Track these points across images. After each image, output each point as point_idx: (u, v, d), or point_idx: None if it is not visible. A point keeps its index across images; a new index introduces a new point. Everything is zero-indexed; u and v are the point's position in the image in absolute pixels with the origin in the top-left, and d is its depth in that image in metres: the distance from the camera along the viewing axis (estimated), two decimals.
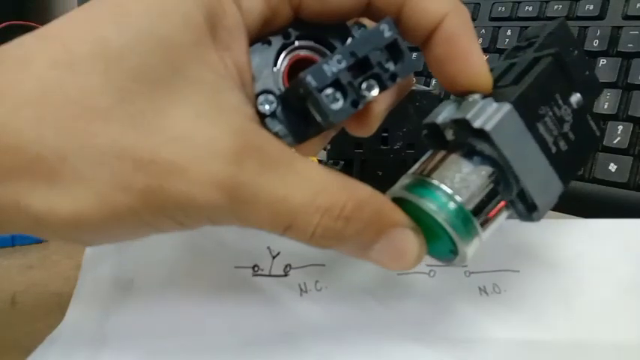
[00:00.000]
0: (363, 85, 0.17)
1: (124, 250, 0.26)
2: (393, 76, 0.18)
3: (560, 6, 0.42)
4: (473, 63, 0.19)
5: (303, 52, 0.20)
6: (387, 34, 0.17)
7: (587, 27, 0.40)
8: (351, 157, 0.34)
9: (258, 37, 0.19)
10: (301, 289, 0.25)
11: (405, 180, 0.19)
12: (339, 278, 0.25)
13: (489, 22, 0.46)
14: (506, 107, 0.17)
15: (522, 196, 0.19)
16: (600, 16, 0.40)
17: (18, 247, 0.35)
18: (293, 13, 0.19)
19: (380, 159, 0.33)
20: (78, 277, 0.26)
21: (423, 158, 0.20)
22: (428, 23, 0.19)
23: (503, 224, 0.26)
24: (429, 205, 0.17)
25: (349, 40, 0.20)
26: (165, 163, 0.16)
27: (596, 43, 0.39)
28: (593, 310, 0.23)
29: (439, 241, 0.18)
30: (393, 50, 0.17)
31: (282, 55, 0.19)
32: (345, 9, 0.19)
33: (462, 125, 0.18)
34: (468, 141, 0.18)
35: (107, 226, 0.16)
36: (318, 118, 0.18)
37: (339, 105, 0.17)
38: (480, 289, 0.24)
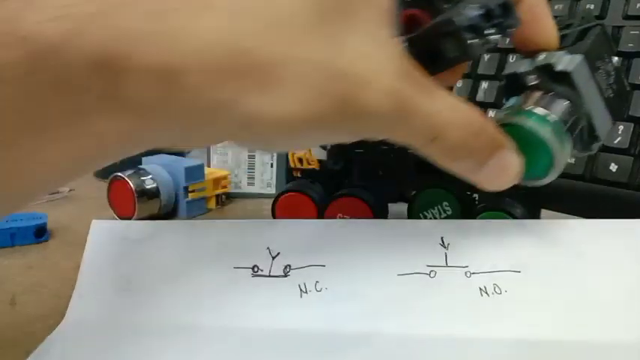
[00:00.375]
0: (487, 32, 0.22)
1: (123, 251, 0.26)
2: (509, 26, 0.22)
3: (561, 5, 0.42)
4: (548, 25, 0.24)
5: (412, 9, 0.24)
6: None
7: None
8: (351, 157, 0.34)
9: None
10: (301, 290, 0.25)
11: (501, 113, 0.23)
12: (340, 279, 0.25)
13: None
14: (579, 57, 0.23)
15: (588, 129, 0.24)
16: (601, 16, 0.40)
17: (18, 247, 0.35)
18: None
19: (380, 159, 0.33)
20: (77, 278, 0.26)
21: (509, 103, 0.24)
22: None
23: (504, 224, 0.26)
24: (532, 124, 0.22)
25: None
26: (355, 76, 0.18)
27: None
28: (594, 311, 0.23)
29: (536, 159, 0.22)
30: (505, 7, 0.22)
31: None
32: None
33: (544, 70, 0.23)
34: (547, 85, 0.23)
35: (306, 130, 0.18)
36: (455, 53, 0.22)
37: (474, 41, 0.22)
38: (480, 289, 0.24)
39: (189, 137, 0.19)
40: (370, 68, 0.18)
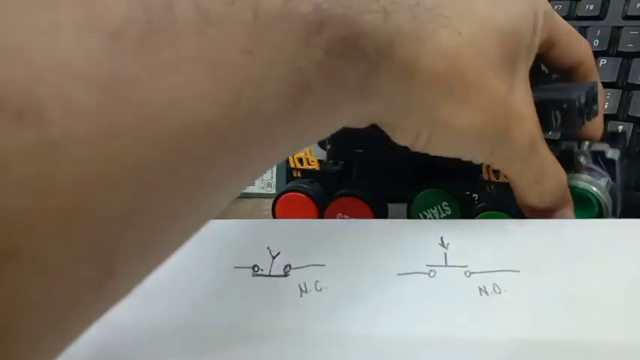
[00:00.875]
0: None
1: None
2: (594, 113, 0.27)
3: (560, 6, 0.42)
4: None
5: None
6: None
7: (588, 27, 0.40)
8: (351, 157, 0.34)
9: None
10: (301, 290, 0.25)
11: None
12: (340, 278, 0.25)
13: None
14: (618, 151, 0.29)
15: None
16: (600, 16, 0.40)
17: None
18: None
19: (380, 159, 0.33)
20: None
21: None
22: (576, 59, 0.28)
23: (504, 224, 0.26)
24: (596, 190, 0.28)
25: None
26: (517, 114, 0.23)
27: (596, 43, 0.39)
28: (594, 311, 0.23)
29: (588, 212, 0.28)
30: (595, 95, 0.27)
31: None
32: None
33: (595, 154, 0.29)
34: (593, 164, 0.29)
35: (470, 141, 0.23)
36: (560, 129, 0.26)
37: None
38: (480, 289, 0.24)
39: (395, 122, 0.22)
40: (525, 111, 0.23)
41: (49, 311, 0.13)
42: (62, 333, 0.14)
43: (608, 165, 0.29)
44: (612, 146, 0.29)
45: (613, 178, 0.29)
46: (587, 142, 0.29)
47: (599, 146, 0.29)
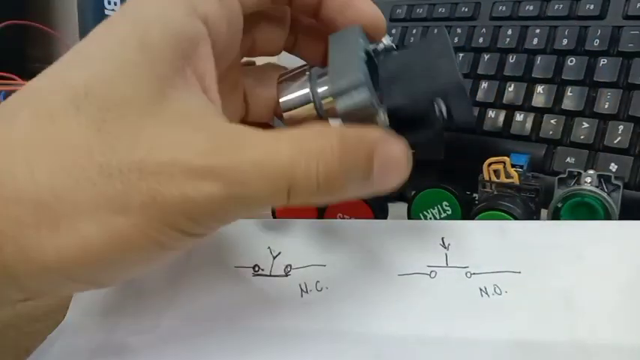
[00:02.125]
0: None
1: None
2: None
3: (561, 5, 0.42)
4: (366, 8, 0.23)
5: None
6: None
7: (588, 27, 0.40)
8: None
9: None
10: (302, 290, 0.25)
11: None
12: (340, 279, 0.25)
13: (490, 21, 0.46)
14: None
15: None
16: (601, 16, 0.40)
17: None
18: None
19: None
20: None
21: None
22: None
23: (504, 224, 0.26)
24: (608, 200, 0.28)
25: None
26: (153, 167, 0.16)
27: (596, 42, 0.39)
28: (594, 312, 0.23)
29: (595, 215, 0.28)
30: None
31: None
32: None
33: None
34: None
35: (116, 254, 0.17)
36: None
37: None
38: (480, 290, 0.24)
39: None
40: (170, 154, 0.17)
41: None
42: None
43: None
44: None
45: None
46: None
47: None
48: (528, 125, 0.41)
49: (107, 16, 0.40)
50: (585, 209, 0.29)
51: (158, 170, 0.16)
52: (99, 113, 0.17)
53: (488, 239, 0.25)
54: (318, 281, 0.25)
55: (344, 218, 0.31)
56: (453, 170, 0.40)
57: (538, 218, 0.32)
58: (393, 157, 0.19)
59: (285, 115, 0.23)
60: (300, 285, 0.25)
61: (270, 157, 0.17)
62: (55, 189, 0.16)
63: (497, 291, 0.24)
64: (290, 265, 0.25)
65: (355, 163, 0.18)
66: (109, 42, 0.18)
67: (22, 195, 0.16)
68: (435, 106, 0.19)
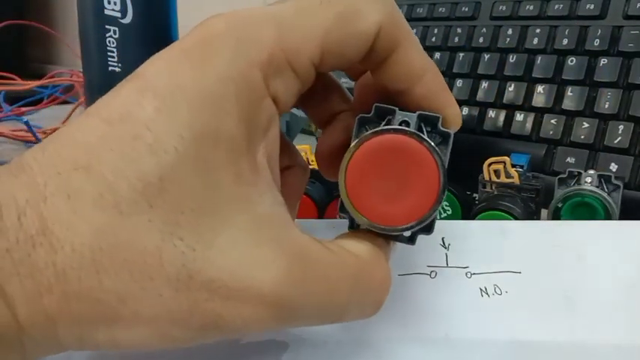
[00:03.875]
0: None
1: None
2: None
3: (561, 5, 0.42)
4: (449, 112, 0.20)
5: None
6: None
7: (588, 26, 0.40)
8: None
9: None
10: None
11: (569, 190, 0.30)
12: None
13: (490, 21, 0.46)
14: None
15: None
16: (601, 16, 0.40)
17: None
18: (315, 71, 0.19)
19: None
20: None
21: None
22: (410, 76, 0.20)
23: (504, 225, 0.26)
24: (609, 200, 0.29)
25: None
26: (224, 291, 0.16)
27: (596, 42, 0.39)
28: (594, 312, 0.23)
29: (595, 215, 0.29)
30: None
31: None
32: (354, 56, 0.19)
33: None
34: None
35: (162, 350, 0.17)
36: None
37: None
38: (481, 290, 0.24)
39: None
40: (238, 275, 0.16)
41: None
42: None
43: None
44: None
45: None
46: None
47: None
48: (528, 125, 0.41)
49: (106, 15, 0.40)
50: (585, 209, 0.29)
51: (228, 295, 0.16)
52: (172, 215, 0.16)
53: (488, 239, 0.25)
54: None
55: (344, 218, 0.31)
56: (453, 170, 0.40)
57: (538, 218, 0.32)
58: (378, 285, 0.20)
59: None
60: None
61: (330, 293, 0.18)
62: (120, 293, 0.15)
63: (498, 291, 0.24)
64: None
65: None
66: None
67: (85, 293, 0.15)
68: None
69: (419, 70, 0.20)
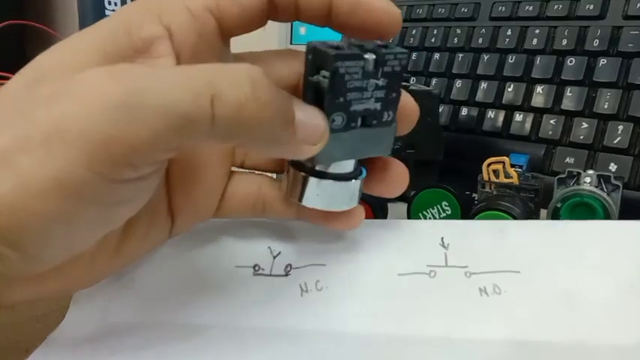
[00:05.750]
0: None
1: None
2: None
3: (561, 6, 0.42)
4: (377, 3, 0.21)
5: None
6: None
7: (588, 27, 0.40)
8: None
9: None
10: (302, 289, 0.25)
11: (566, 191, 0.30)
12: (340, 278, 0.25)
13: (489, 21, 0.46)
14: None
15: None
16: (600, 16, 0.40)
17: None
18: None
19: None
20: None
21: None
22: None
23: (504, 224, 0.26)
24: (608, 200, 0.29)
25: None
26: (61, 91, 0.16)
27: (596, 42, 0.39)
28: (594, 311, 0.23)
29: (594, 215, 0.29)
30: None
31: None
32: (254, 4, 0.20)
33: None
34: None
35: (26, 204, 0.15)
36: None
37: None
38: (480, 289, 0.24)
39: None
40: (77, 79, 0.16)
41: None
42: None
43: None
44: None
45: None
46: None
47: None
48: (528, 125, 0.41)
49: (107, 16, 0.40)
50: (585, 209, 0.29)
51: (61, 94, 0.15)
52: (36, 73, 0.18)
53: (487, 239, 0.25)
54: (318, 281, 0.25)
55: None
56: (452, 170, 0.40)
57: (537, 218, 0.32)
58: (314, 116, 0.19)
59: None
60: (300, 284, 0.25)
61: (190, 70, 0.16)
62: None
63: (497, 291, 0.24)
64: (290, 265, 0.25)
65: (279, 102, 0.18)
66: (72, 41, 0.19)
67: None
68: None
69: None
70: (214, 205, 0.24)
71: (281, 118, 0.18)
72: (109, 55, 0.18)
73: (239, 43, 0.22)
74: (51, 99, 0.16)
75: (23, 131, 0.15)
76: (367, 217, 0.24)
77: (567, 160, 0.38)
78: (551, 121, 0.39)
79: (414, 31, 0.51)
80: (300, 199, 0.22)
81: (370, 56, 0.19)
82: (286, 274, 0.25)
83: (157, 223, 0.22)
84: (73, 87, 0.16)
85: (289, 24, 0.75)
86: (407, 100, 0.22)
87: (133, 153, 0.15)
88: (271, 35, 0.69)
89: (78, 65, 0.17)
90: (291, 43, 0.69)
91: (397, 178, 0.23)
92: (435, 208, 0.33)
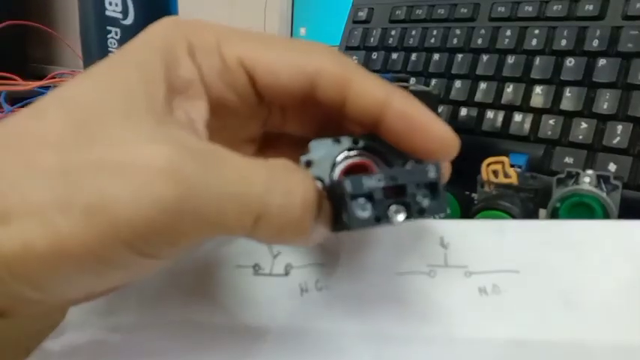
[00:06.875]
0: (393, 208, 0.18)
1: None
2: (421, 211, 0.19)
3: (560, 6, 0.42)
4: (436, 128, 0.20)
5: (363, 159, 0.21)
6: (431, 174, 0.19)
7: (587, 27, 0.40)
8: None
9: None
10: (302, 289, 0.25)
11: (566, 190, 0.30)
12: (339, 278, 0.25)
13: (489, 22, 0.46)
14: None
15: None
16: (600, 16, 0.40)
17: None
18: (252, 87, 0.20)
19: None
20: None
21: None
22: (374, 105, 0.19)
23: (503, 224, 0.26)
24: (607, 200, 0.29)
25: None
26: (111, 165, 0.15)
27: (595, 43, 0.39)
28: (593, 311, 0.23)
29: (593, 215, 0.29)
30: (431, 190, 0.19)
31: (343, 154, 0.21)
32: (293, 86, 0.20)
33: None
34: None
35: (58, 260, 0.15)
36: (344, 219, 0.18)
37: (364, 215, 0.18)
38: (479, 289, 0.24)
39: None
40: (127, 158, 0.15)
41: None
42: None
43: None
44: None
45: None
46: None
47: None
48: (527, 125, 0.41)
49: (108, 16, 0.40)
50: (584, 209, 0.29)
51: (115, 170, 0.15)
52: (82, 113, 0.16)
53: (487, 238, 0.25)
54: (317, 280, 0.25)
55: None
56: (452, 170, 0.40)
57: (536, 218, 0.32)
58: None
59: None
60: (299, 284, 0.25)
61: (244, 180, 0.16)
62: (12, 183, 0.15)
63: (497, 290, 0.24)
64: (290, 265, 0.25)
65: (323, 210, 0.18)
66: (115, 77, 0.18)
67: None
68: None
69: (381, 94, 0.19)
70: None
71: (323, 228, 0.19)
72: (159, 102, 0.17)
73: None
74: (102, 170, 0.15)
75: (65, 194, 0.15)
76: None
77: (566, 160, 0.38)
78: (551, 122, 0.40)
79: (413, 32, 0.51)
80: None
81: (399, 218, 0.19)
82: (286, 274, 0.25)
83: None
84: (128, 166, 0.15)
85: (289, 22, 0.75)
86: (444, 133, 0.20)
87: (167, 245, 0.16)
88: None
89: (127, 113, 0.16)
90: None
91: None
92: None
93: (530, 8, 0.44)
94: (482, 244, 0.25)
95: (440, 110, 0.46)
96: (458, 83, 0.46)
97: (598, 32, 0.39)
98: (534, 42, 0.42)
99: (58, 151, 0.15)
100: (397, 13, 0.53)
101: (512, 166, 0.32)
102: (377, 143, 0.21)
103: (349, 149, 0.21)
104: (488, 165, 0.32)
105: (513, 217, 0.29)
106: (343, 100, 0.20)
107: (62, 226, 0.15)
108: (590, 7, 0.40)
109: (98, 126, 0.16)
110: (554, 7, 0.42)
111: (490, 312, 0.23)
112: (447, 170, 0.21)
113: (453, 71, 0.47)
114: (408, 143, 0.20)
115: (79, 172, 0.15)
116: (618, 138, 0.36)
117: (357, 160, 0.21)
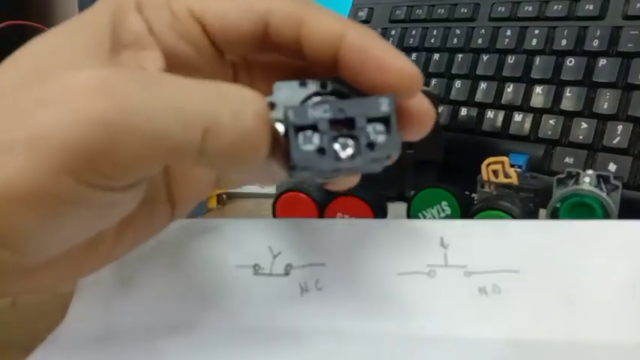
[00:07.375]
0: (340, 141, 0.17)
1: None
2: (371, 145, 0.17)
3: (560, 6, 0.42)
4: (393, 60, 0.18)
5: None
6: (384, 107, 0.17)
7: (587, 27, 0.40)
8: None
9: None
10: (302, 289, 0.25)
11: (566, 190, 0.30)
12: (340, 278, 0.25)
13: (489, 22, 0.46)
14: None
15: None
16: (600, 16, 0.40)
17: None
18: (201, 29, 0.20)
19: None
20: None
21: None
22: (330, 39, 0.19)
23: (503, 224, 0.26)
24: (607, 200, 0.29)
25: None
26: (48, 91, 0.15)
27: (595, 43, 0.39)
28: (593, 311, 0.23)
29: (593, 215, 0.29)
30: (385, 125, 0.17)
31: (312, 99, 0.19)
32: (244, 28, 0.19)
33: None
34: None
35: (9, 204, 0.15)
36: (290, 154, 0.17)
37: (308, 147, 0.17)
38: (479, 289, 0.24)
39: None
40: (57, 83, 0.15)
41: None
42: None
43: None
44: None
45: None
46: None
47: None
48: (527, 125, 0.41)
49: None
50: (584, 209, 0.29)
51: (53, 98, 0.15)
52: (31, 66, 0.17)
53: (487, 238, 0.25)
54: (317, 280, 0.25)
55: (344, 217, 0.32)
56: (452, 170, 0.40)
57: (537, 218, 0.32)
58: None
59: None
60: (300, 284, 0.25)
61: (188, 94, 0.16)
62: None
63: (497, 290, 0.24)
64: (290, 265, 0.25)
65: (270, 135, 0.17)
66: (67, 32, 0.19)
67: None
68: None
69: (336, 27, 0.18)
70: (213, 179, 0.24)
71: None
72: (103, 51, 0.18)
73: None
74: (41, 103, 0.15)
75: (10, 133, 0.15)
76: (367, 217, 0.24)
77: (566, 160, 0.38)
78: (551, 121, 0.40)
79: (413, 32, 0.51)
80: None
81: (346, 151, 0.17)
82: (286, 274, 0.25)
83: (157, 211, 0.22)
84: (62, 94, 0.15)
85: None
86: (421, 104, 0.20)
87: (114, 169, 0.15)
88: None
89: (77, 63, 0.17)
90: None
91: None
92: (435, 207, 0.33)
93: (530, 8, 0.44)
94: (483, 244, 0.25)
95: (440, 110, 0.46)
96: (458, 83, 0.46)
97: (598, 32, 0.39)
98: (534, 42, 0.42)
99: (11, 98, 0.16)
100: (397, 13, 0.53)
101: (512, 166, 0.32)
102: (345, 87, 0.19)
103: (316, 94, 0.19)
104: (489, 165, 0.32)
105: (513, 217, 0.29)
106: (298, 38, 0.19)
107: (8, 166, 0.15)
108: (590, 7, 0.40)
109: (44, 74, 0.16)
110: (555, 7, 0.42)
111: (490, 312, 0.23)
112: (428, 115, 0.20)
113: (453, 71, 0.47)
114: (365, 80, 0.18)
115: (21, 112, 0.15)
116: (618, 138, 0.36)
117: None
